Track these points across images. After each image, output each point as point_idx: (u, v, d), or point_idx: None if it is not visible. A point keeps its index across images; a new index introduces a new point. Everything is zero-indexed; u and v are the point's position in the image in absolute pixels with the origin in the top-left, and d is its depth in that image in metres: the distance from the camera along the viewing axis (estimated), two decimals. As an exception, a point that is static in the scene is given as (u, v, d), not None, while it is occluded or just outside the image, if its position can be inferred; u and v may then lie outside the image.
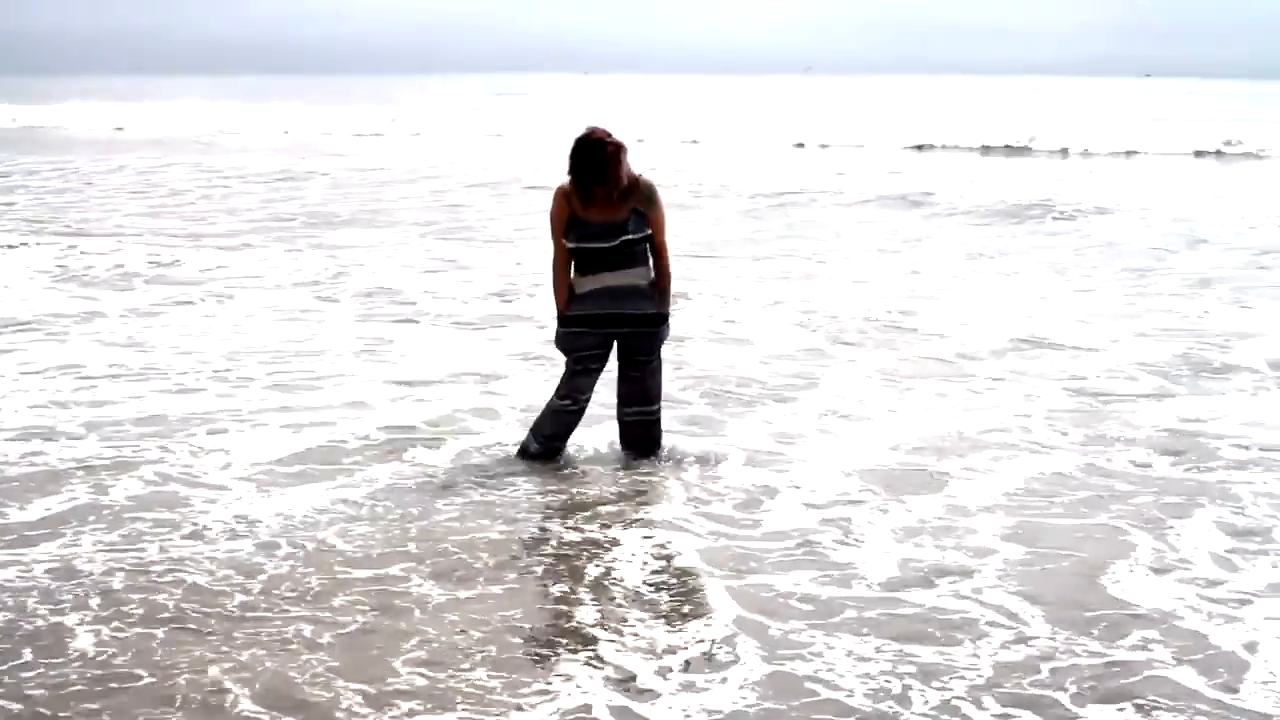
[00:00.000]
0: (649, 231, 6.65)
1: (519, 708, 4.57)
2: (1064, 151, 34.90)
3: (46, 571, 5.78)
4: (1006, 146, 35.97)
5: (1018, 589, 5.65)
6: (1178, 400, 8.87)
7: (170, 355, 10.11)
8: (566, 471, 7.26)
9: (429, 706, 4.59)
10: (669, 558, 6.02)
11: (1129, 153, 34.22)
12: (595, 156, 6.50)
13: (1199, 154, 33.40)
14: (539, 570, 5.91)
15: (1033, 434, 8.05)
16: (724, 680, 4.77)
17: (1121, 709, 4.60)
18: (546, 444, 7.15)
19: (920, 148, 36.55)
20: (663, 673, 4.83)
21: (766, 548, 6.14)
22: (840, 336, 10.92)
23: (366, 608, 5.41)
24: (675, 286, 7.23)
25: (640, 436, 7.15)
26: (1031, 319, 11.66)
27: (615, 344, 6.93)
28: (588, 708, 4.58)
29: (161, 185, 25.14)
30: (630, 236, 6.60)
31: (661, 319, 6.83)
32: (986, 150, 35.76)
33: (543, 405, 7.31)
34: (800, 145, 38.28)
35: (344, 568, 5.86)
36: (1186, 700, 4.66)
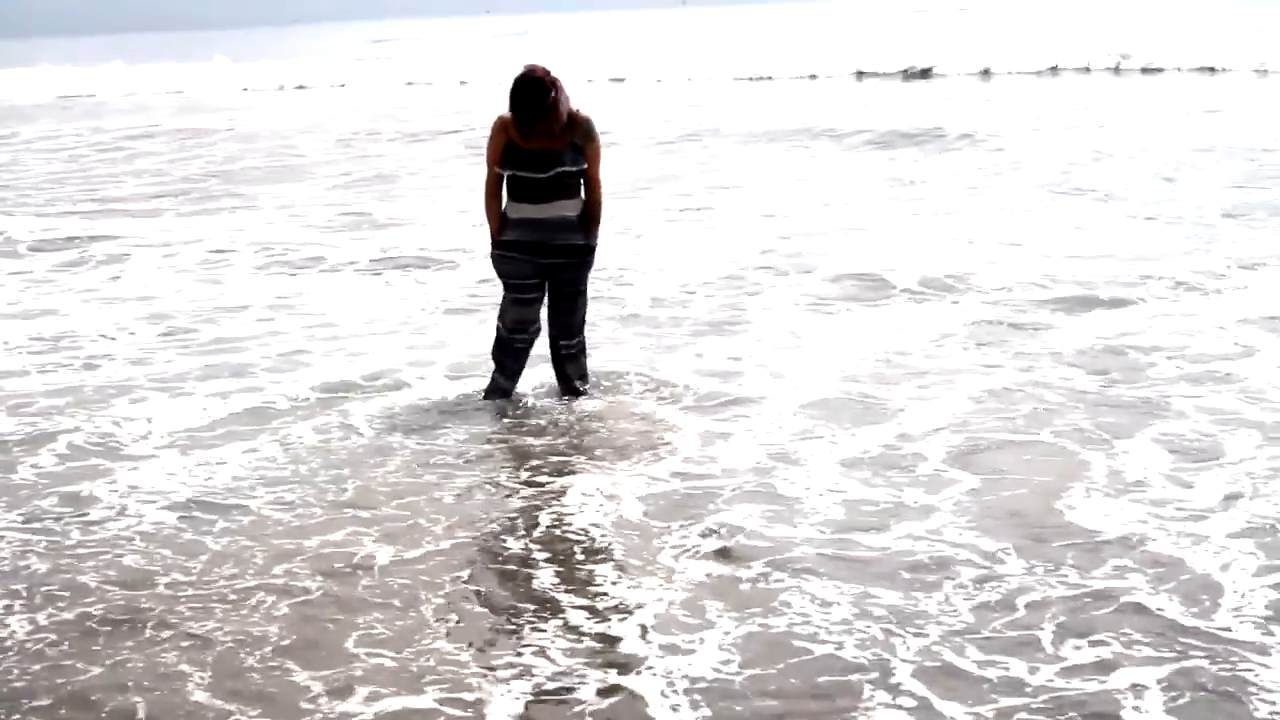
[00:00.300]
0: (585, 165, 6.59)
1: (494, 686, 4.19)
2: (926, 73, 32.42)
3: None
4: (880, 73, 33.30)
5: (978, 521, 5.37)
6: (1101, 314, 8.65)
7: (78, 323, 9.52)
8: (507, 419, 6.90)
9: (395, 690, 4.18)
10: (619, 504, 5.68)
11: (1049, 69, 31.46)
12: (535, 94, 6.40)
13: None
14: (490, 527, 5.53)
15: (966, 355, 7.82)
16: (701, 641, 4.41)
17: (1105, 644, 4.32)
18: (509, 381, 7.05)
19: (814, 77, 34.27)
20: (639, 636, 4.47)
21: (716, 488, 5.82)
22: (765, 265, 10.58)
23: (315, 580, 5.00)
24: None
25: (569, 369, 7.04)
26: (946, 242, 11.40)
27: (547, 275, 6.82)
28: (569, 686, 4.19)
29: (61, 151, 23.64)
30: (566, 169, 6.55)
31: (588, 250, 6.77)
32: (861, 76, 33.46)
33: (489, 346, 7.17)
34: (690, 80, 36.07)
35: (285, 538, 5.43)
36: (1168, 633, 4.39)
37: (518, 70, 6.56)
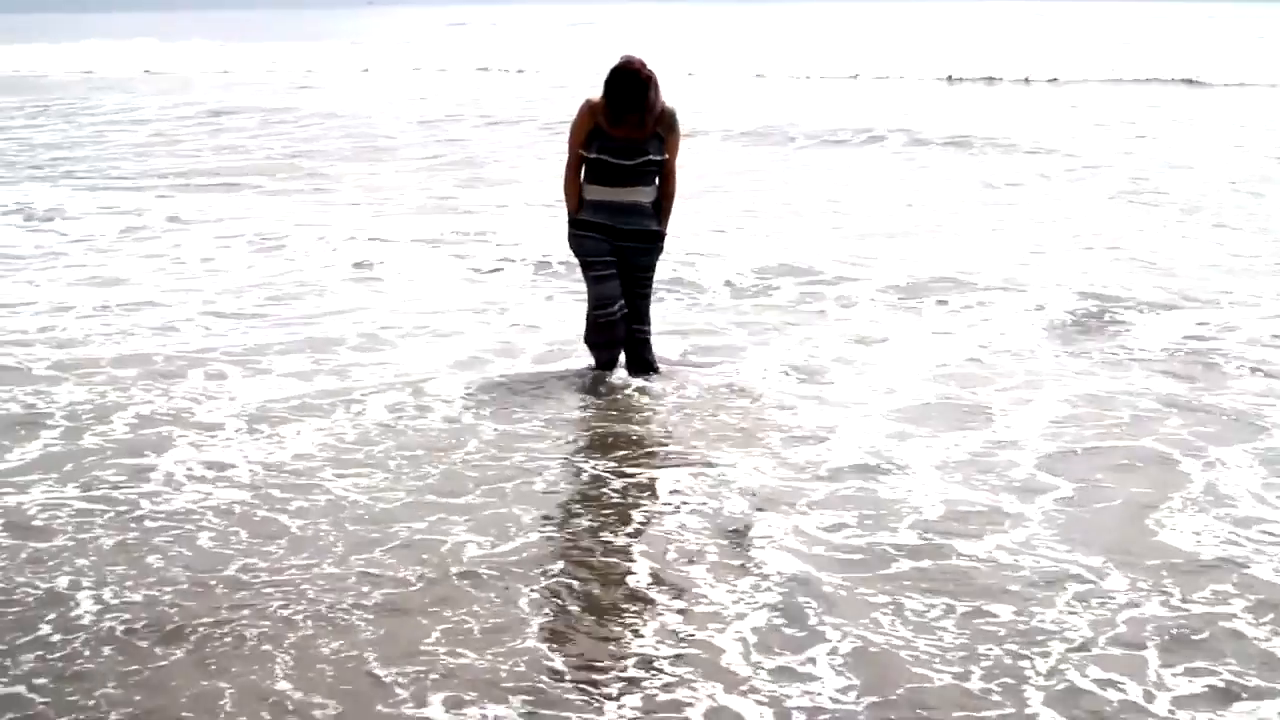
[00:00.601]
0: (666, 155, 6.56)
1: (599, 702, 3.78)
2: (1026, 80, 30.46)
3: (32, 526, 5.04)
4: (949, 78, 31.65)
5: (1075, 532, 4.97)
6: (1186, 322, 8.14)
7: (153, 293, 9.19)
8: (591, 405, 6.56)
9: (477, 696, 3.80)
10: (713, 500, 5.29)
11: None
12: (633, 87, 6.37)
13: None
14: (581, 520, 5.15)
15: (1054, 359, 7.42)
16: (812, 662, 4.00)
17: (1213, 672, 3.93)
18: (610, 353, 6.93)
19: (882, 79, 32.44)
20: (742, 653, 4.05)
21: (809, 488, 5.43)
22: (846, 261, 10.13)
23: (400, 570, 4.63)
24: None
25: (636, 355, 6.91)
26: (1027, 244, 10.93)
27: (619, 257, 6.75)
28: (677, 702, 3.78)
29: (147, 123, 23.19)
30: (651, 158, 6.53)
31: (659, 236, 6.76)
32: (951, 79, 31.43)
33: (579, 330, 7.12)
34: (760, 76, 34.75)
35: (368, 524, 5.07)
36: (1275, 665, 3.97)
37: (615, 60, 6.46)
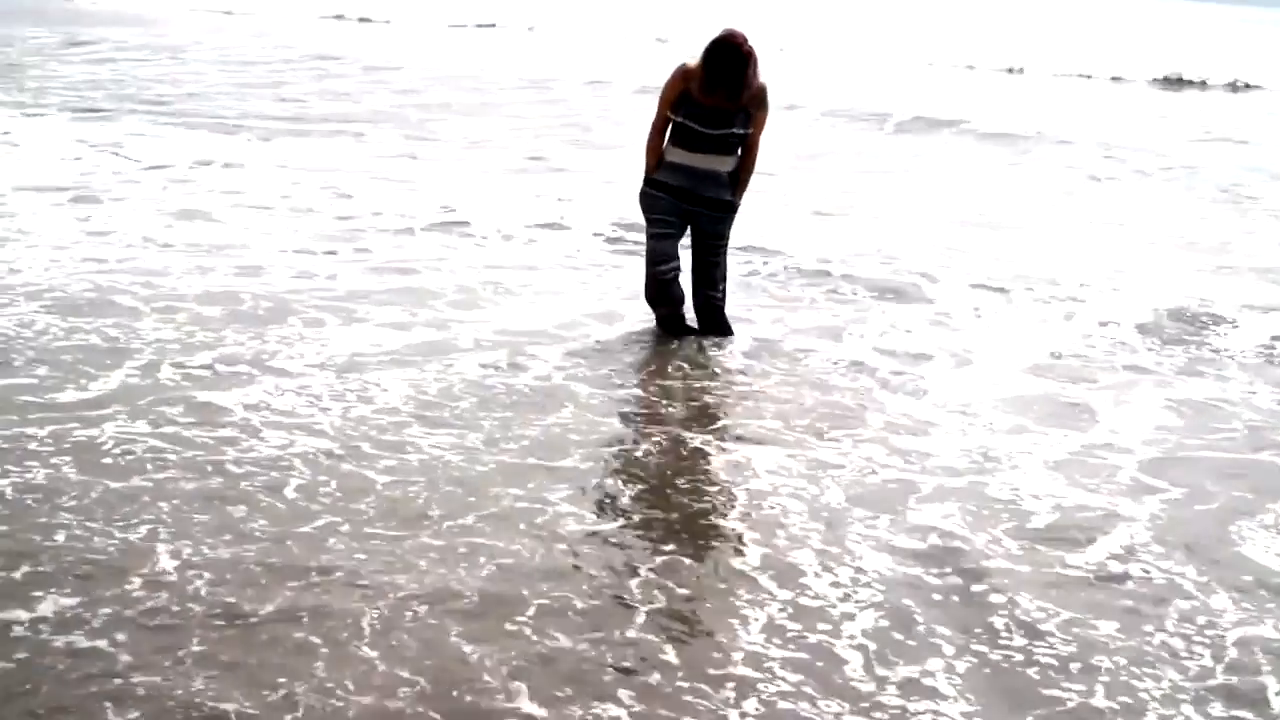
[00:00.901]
0: (751, 130, 6.41)
1: (717, 707, 3.42)
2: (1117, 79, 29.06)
3: (106, 464, 4.72)
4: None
5: (1181, 544, 4.59)
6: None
7: (249, 236, 8.83)
8: (686, 375, 6.21)
9: (572, 692, 3.43)
10: (814, 486, 4.93)
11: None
12: (734, 61, 6.22)
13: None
14: (682, 496, 4.78)
15: (1153, 358, 7.00)
16: (931, 675, 3.63)
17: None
18: (669, 310, 6.75)
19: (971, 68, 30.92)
20: (864, 665, 3.69)
21: (915, 482, 5.04)
22: (939, 249, 9.67)
23: (493, 541, 4.29)
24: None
25: (709, 318, 6.77)
26: (1122, 243, 10.44)
27: (690, 222, 6.65)
28: (798, 716, 3.41)
29: (251, 62, 22.98)
30: (735, 130, 6.37)
31: (732, 208, 6.60)
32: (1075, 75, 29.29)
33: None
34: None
35: (462, 486, 4.74)
36: None
37: (718, 32, 6.32)
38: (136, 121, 14.40)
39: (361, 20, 38.04)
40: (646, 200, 6.61)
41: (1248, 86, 27.43)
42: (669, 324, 6.72)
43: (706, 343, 6.68)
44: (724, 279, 6.77)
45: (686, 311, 6.79)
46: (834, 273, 8.56)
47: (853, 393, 6.12)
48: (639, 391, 5.98)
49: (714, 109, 6.31)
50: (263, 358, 6.05)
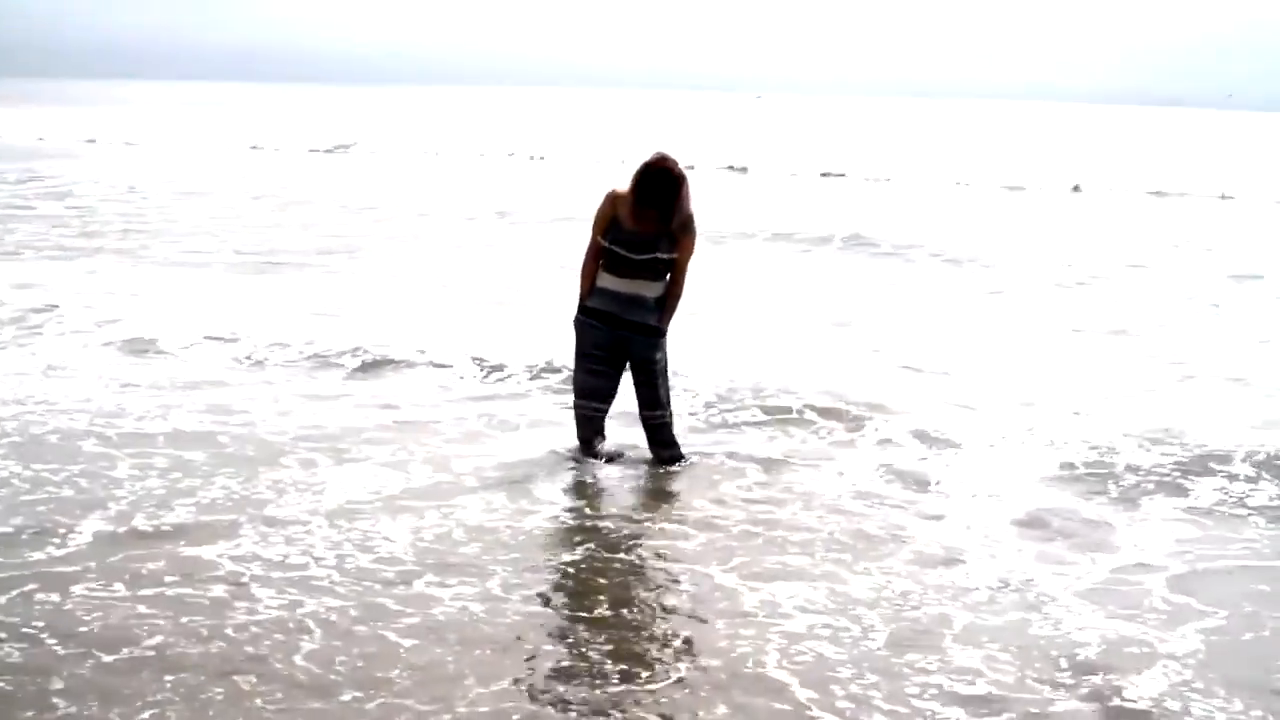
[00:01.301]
0: (676, 255, 6.33)
1: None
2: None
3: (85, 632, 4.19)
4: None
5: (1233, 674, 4.31)
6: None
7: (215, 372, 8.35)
8: (697, 503, 5.87)
9: None
10: (851, 619, 4.54)
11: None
12: (664, 183, 6.14)
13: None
14: (724, 639, 4.39)
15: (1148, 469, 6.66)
16: None
17: None
18: (585, 435, 6.63)
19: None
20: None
21: (954, 617, 4.69)
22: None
23: (549, 713, 3.83)
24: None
25: (657, 438, 6.61)
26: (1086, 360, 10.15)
27: (623, 349, 6.51)
28: None
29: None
30: (659, 255, 6.30)
31: (657, 332, 6.48)
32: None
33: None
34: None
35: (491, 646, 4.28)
36: None
37: (649, 155, 6.23)
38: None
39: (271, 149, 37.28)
40: (578, 328, 6.54)
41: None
42: (589, 452, 6.58)
43: (713, 465, 6.43)
44: (666, 404, 6.58)
45: (607, 446, 6.61)
46: (808, 404, 7.91)
47: (872, 520, 5.77)
48: (655, 525, 5.61)
49: (638, 234, 6.24)
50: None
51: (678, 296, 6.47)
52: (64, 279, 11.70)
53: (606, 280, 6.39)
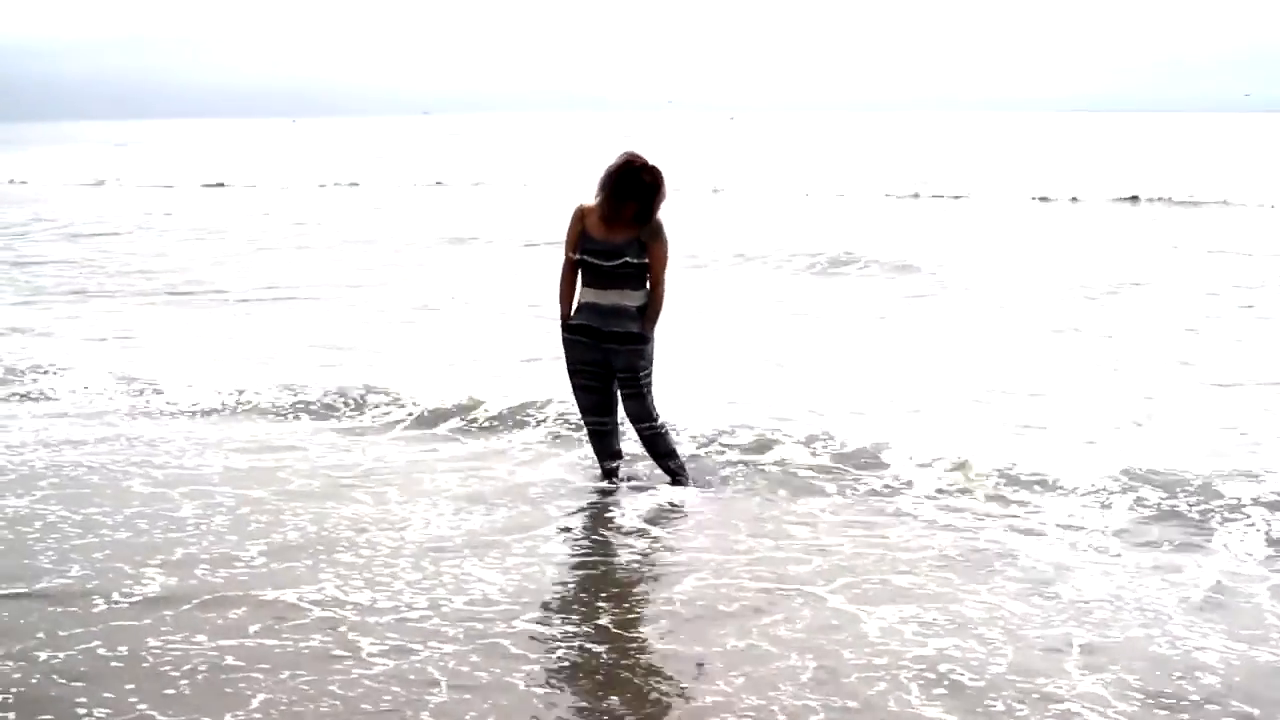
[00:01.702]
0: (647, 260, 6.24)
1: None
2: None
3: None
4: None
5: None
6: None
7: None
8: (789, 526, 5.48)
9: None
10: (982, 648, 4.20)
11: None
12: (643, 187, 6.09)
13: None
14: (851, 679, 4.07)
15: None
16: None
17: None
18: (606, 463, 6.57)
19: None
20: None
21: (1064, 636, 4.37)
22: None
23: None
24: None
25: (655, 449, 6.50)
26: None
27: (609, 361, 6.38)
28: None
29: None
30: (629, 260, 6.20)
31: (641, 339, 6.34)
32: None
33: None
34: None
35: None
36: None
37: (621, 157, 6.17)
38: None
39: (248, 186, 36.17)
40: (566, 346, 6.46)
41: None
42: (611, 474, 6.51)
43: (793, 491, 6.10)
44: (652, 416, 6.40)
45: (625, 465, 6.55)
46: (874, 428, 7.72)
47: (970, 538, 5.48)
48: (749, 548, 5.31)
49: (607, 242, 6.19)
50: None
51: (659, 304, 6.37)
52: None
53: (587, 295, 6.35)
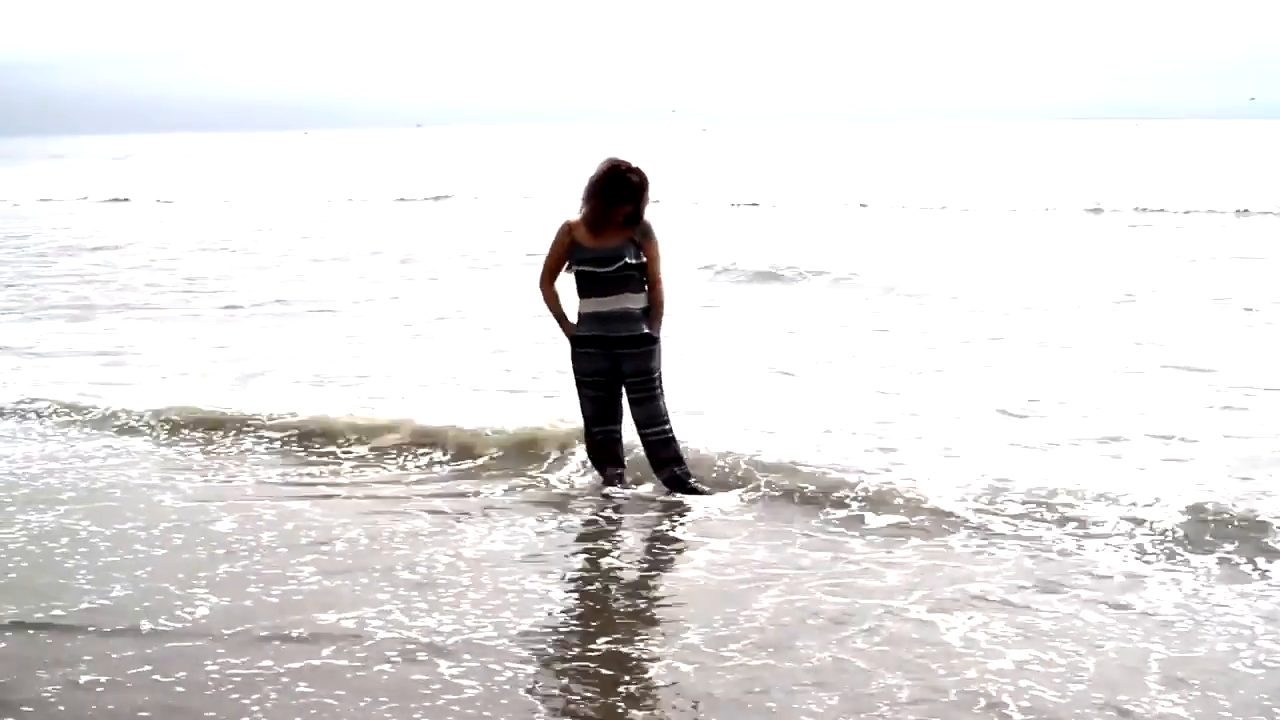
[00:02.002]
0: (644, 260, 6.26)
1: None
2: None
3: None
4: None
5: None
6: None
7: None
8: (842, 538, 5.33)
9: None
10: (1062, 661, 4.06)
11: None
12: (629, 188, 6.12)
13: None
14: (937, 692, 3.91)
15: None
16: None
17: None
18: (603, 472, 6.51)
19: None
20: None
21: (1141, 652, 4.21)
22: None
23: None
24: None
25: (663, 454, 6.40)
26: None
27: (619, 367, 6.35)
28: None
29: None
30: (629, 262, 6.20)
31: (651, 340, 6.33)
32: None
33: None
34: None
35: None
36: None
37: (605, 163, 6.19)
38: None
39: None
40: (575, 361, 6.40)
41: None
42: (613, 481, 6.43)
43: (846, 512, 5.79)
44: (665, 419, 6.36)
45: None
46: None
47: (1036, 548, 5.32)
48: (812, 559, 5.15)
49: (603, 248, 6.19)
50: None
51: (660, 303, 6.37)
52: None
53: (589, 304, 6.29)
